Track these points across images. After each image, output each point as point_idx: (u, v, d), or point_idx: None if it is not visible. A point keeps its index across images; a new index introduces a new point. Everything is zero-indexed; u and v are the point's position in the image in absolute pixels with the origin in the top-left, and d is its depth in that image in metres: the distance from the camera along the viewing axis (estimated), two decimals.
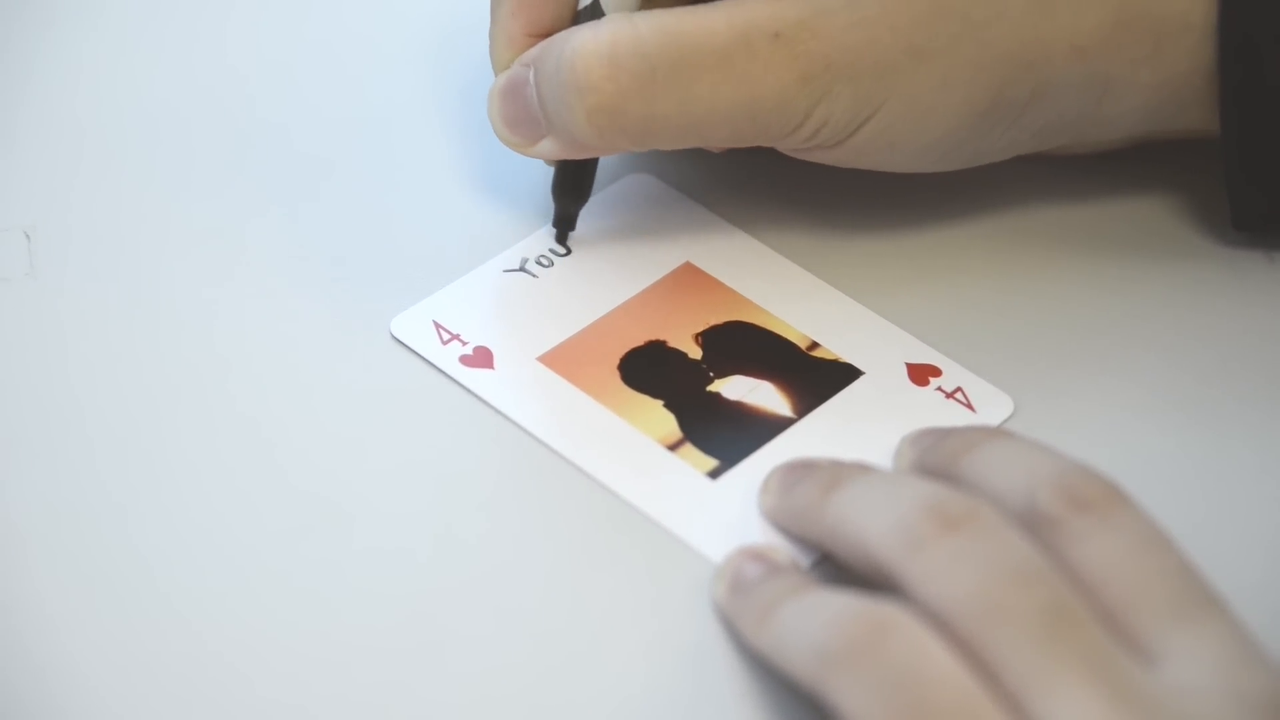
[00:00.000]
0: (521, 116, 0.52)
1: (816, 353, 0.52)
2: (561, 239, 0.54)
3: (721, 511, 0.49)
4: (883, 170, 0.52)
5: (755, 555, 0.47)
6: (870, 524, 0.44)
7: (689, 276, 0.54)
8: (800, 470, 0.48)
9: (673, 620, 0.46)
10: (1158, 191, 0.55)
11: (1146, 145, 0.54)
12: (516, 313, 0.53)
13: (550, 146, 0.51)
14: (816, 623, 0.43)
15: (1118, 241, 0.54)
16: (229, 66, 0.60)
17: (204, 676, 0.45)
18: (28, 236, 0.55)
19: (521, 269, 0.54)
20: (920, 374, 0.51)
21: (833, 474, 0.47)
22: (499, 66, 0.53)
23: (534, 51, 0.51)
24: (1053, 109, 0.50)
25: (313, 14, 0.61)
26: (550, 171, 0.54)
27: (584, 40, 0.49)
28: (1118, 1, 0.49)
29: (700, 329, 0.53)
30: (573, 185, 0.54)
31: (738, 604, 0.46)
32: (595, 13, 0.51)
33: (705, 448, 0.50)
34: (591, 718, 0.45)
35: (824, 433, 0.50)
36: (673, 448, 0.50)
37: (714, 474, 0.49)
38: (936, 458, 0.48)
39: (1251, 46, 0.49)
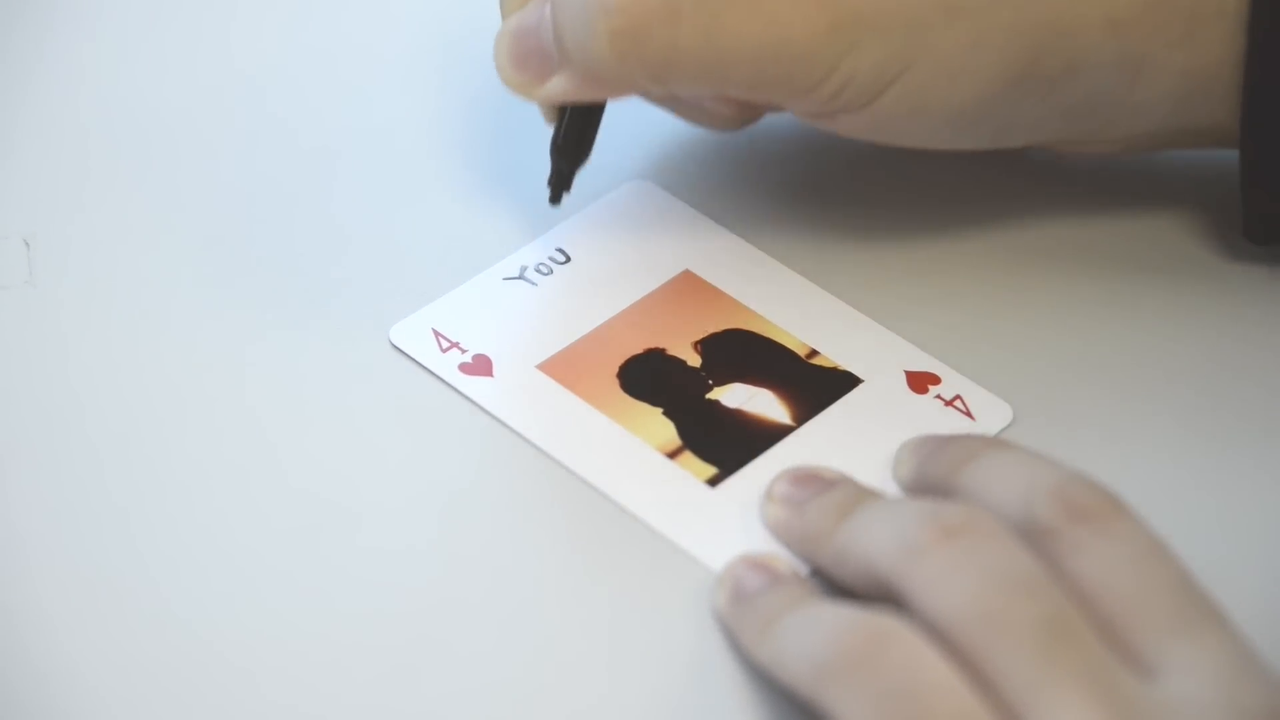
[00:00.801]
0: (532, 53, 0.50)
1: (815, 360, 0.52)
2: (555, 199, 0.53)
3: (721, 519, 0.49)
4: (905, 144, 0.51)
5: (756, 564, 0.47)
6: (873, 540, 0.44)
7: (688, 284, 0.54)
8: (807, 484, 0.48)
9: (672, 628, 0.46)
10: (1162, 204, 0.55)
11: (1165, 153, 0.53)
12: (516, 321, 0.53)
13: (561, 83, 0.50)
14: (815, 634, 0.43)
15: (1118, 252, 0.54)
16: (228, 73, 0.60)
17: (204, 682, 0.45)
18: (27, 244, 0.55)
19: (521, 277, 0.54)
20: (919, 382, 0.51)
21: (842, 503, 0.46)
22: (509, 8, 0.52)
23: None
24: (1084, 85, 0.50)
25: (314, 21, 0.61)
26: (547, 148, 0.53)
27: None
28: None
29: (699, 337, 0.53)
30: (574, 141, 0.53)
31: (739, 615, 0.46)
32: None
33: (704, 455, 0.50)
34: None
35: (823, 440, 0.50)
36: (672, 455, 0.50)
37: (713, 482, 0.49)
38: (936, 468, 0.48)
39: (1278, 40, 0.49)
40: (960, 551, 0.43)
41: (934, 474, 0.48)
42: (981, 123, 0.50)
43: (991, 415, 0.51)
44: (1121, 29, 0.49)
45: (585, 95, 0.51)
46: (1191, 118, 0.51)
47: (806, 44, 0.48)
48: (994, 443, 0.48)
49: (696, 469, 0.50)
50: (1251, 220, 0.52)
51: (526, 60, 0.50)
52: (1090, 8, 0.49)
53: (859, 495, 0.47)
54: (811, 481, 0.48)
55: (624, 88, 0.50)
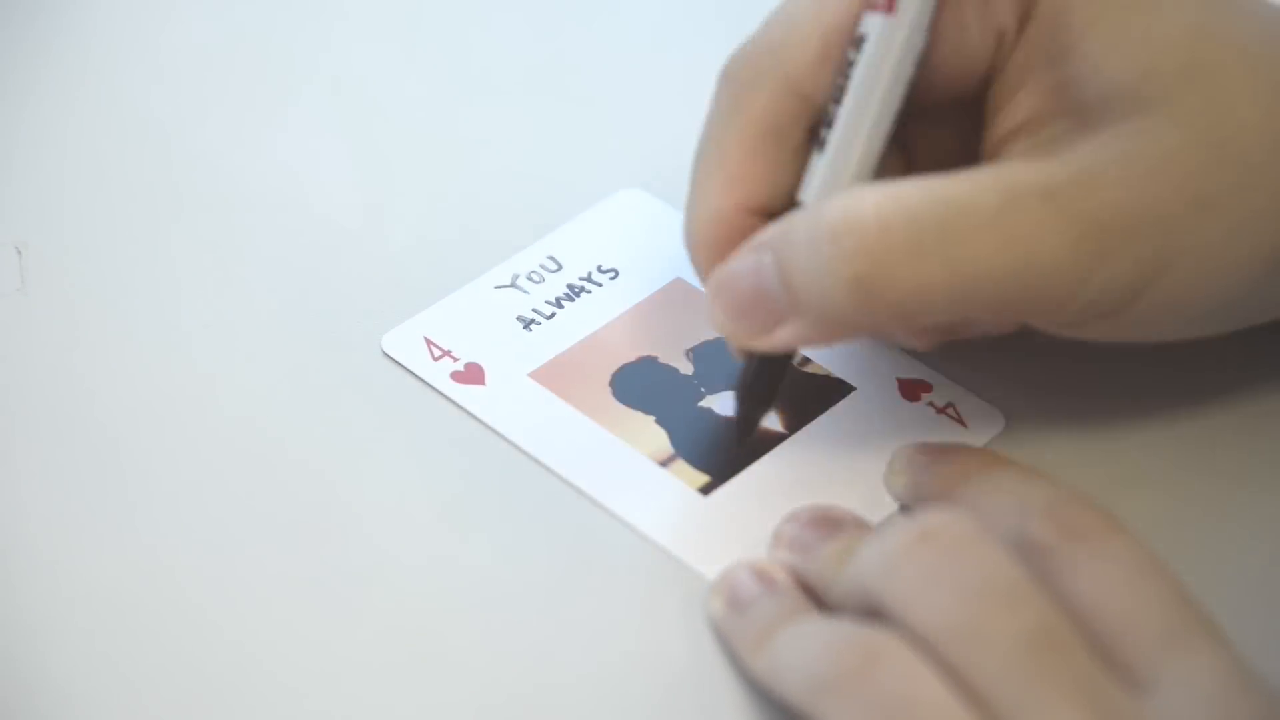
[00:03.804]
0: (754, 303, 0.47)
1: (808, 368, 0.52)
2: (741, 442, 0.50)
3: (713, 527, 0.49)
4: (1158, 340, 0.48)
5: (751, 572, 0.47)
6: (862, 561, 0.44)
7: (680, 292, 0.54)
8: (816, 527, 0.47)
9: (665, 636, 0.46)
10: None
11: None
12: (508, 329, 0.53)
13: (792, 331, 0.46)
14: (810, 649, 0.43)
15: None
16: (219, 79, 0.60)
17: (194, 689, 0.45)
18: (19, 252, 0.55)
19: (513, 285, 0.54)
20: (911, 389, 0.52)
21: (849, 546, 0.46)
22: (706, 245, 0.48)
23: (768, 233, 0.47)
24: None
25: (304, 23, 0.62)
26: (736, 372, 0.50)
27: (845, 204, 0.45)
28: None
29: (692, 345, 0.53)
30: (765, 386, 0.49)
31: (734, 625, 0.46)
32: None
33: (696, 463, 0.50)
34: None
35: (815, 448, 0.50)
36: (664, 463, 0.50)
37: (705, 490, 0.49)
38: (930, 485, 0.48)
39: None
40: (937, 558, 0.43)
41: (928, 490, 0.48)
42: (1238, 310, 0.48)
43: (984, 423, 0.51)
44: None
45: (818, 342, 0.48)
46: None
47: (1054, 260, 0.45)
48: (988, 459, 0.48)
49: (689, 477, 0.50)
50: None
51: (747, 311, 0.47)
52: None
53: (864, 536, 0.46)
54: (821, 524, 0.47)
55: (862, 331, 0.48)
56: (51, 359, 0.52)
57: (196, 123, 0.59)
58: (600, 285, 0.54)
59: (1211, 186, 0.45)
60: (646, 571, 0.48)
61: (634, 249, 0.55)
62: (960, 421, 0.51)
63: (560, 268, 0.54)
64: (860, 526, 0.47)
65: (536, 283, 0.54)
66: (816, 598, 0.46)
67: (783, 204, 0.48)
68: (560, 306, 0.53)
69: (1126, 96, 0.45)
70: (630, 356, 0.52)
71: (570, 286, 0.54)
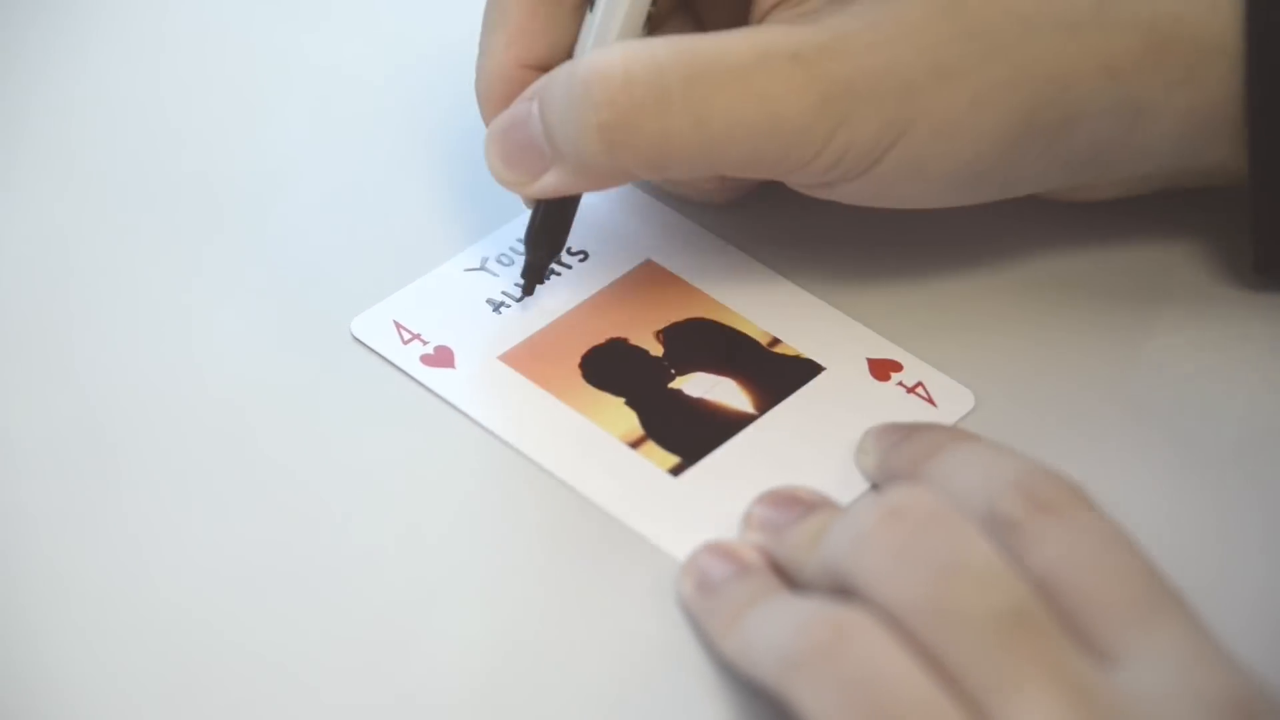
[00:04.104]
0: (523, 151, 0.50)
1: (777, 349, 0.52)
2: (529, 290, 0.53)
3: (684, 508, 0.49)
4: (907, 206, 0.51)
5: (721, 552, 0.47)
6: (832, 539, 0.44)
7: (650, 274, 0.54)
8: (786, 508, 0.47)
9: (636, 617, 0.46)
10: (1132, 206, 0.55)
11: (1173, 190, 0.52)
12: (477, 312, 0.53)
13: (554, 178, 0.49)
14: (779, 628, 0.43)
15: (1078, 239, 0.54)
16: (187, 69, 0.60)
17: (165, 672, 0.45)
18: None
19: (482, 268, 0.54)
20: (881, 369, 0.52)
21: (820, 528, 0.46)
22: (490, 99, 0.51)
23: (537, 84, 0.50)
24: (1085, 134, 0.49)
25: (274, 8, 0.61)
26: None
27: (596, 58, 0.48)
28: (1149, 24, 0.48)
29: (661, 326, 0.53)
30: (548, 232, 0.52)
31: (705, 606, 0.46)
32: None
33: (667, 445, 0.50)
34: (556, 714, 0.45)
35: (785, 429, 0.50)
36: (634, 445, 0.50)
37: (675, 471, 0.49)
38: (899, 461, 0.48)
39: None
40: (906, 535, 0.43)
41: (897, 467, 0.48)
42: (983, 180, 0.50)
43: (953, 402, 0.51)
44: (1120, 76, 0.48)
45: (579, 188, 0.50)
46: (1194, 157, 0.50)
47: (799, 119, 0.47)
48: (957, 435, 0.48)
49: (659, 458, 0.50)
50: (1267, 253, 0.51)
51: (518, 158, 0.50)
52: (1086, 58, 0.48)
53: (835, 517, 0.46)
54: (791, 505, 0.48)
55: (618, 179, 0.50)
56: (18, 346, 0.52)
57: (163, 109, 0.58)
58: (570, 268, 0.54)
59: (953, 56, 0.47)
60: (617, 553, 0.48)
61: (603, 231, 0.55)
62: (930, 400, 0.51)
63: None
64: (831, 507, 0.47)
65: (506, 265, 0.54)
66: (788, 579, 0.46)
67: (560, 61, 0.50)
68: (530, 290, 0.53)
69: None
70: (600, 338, 0.52)
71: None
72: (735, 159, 0.48)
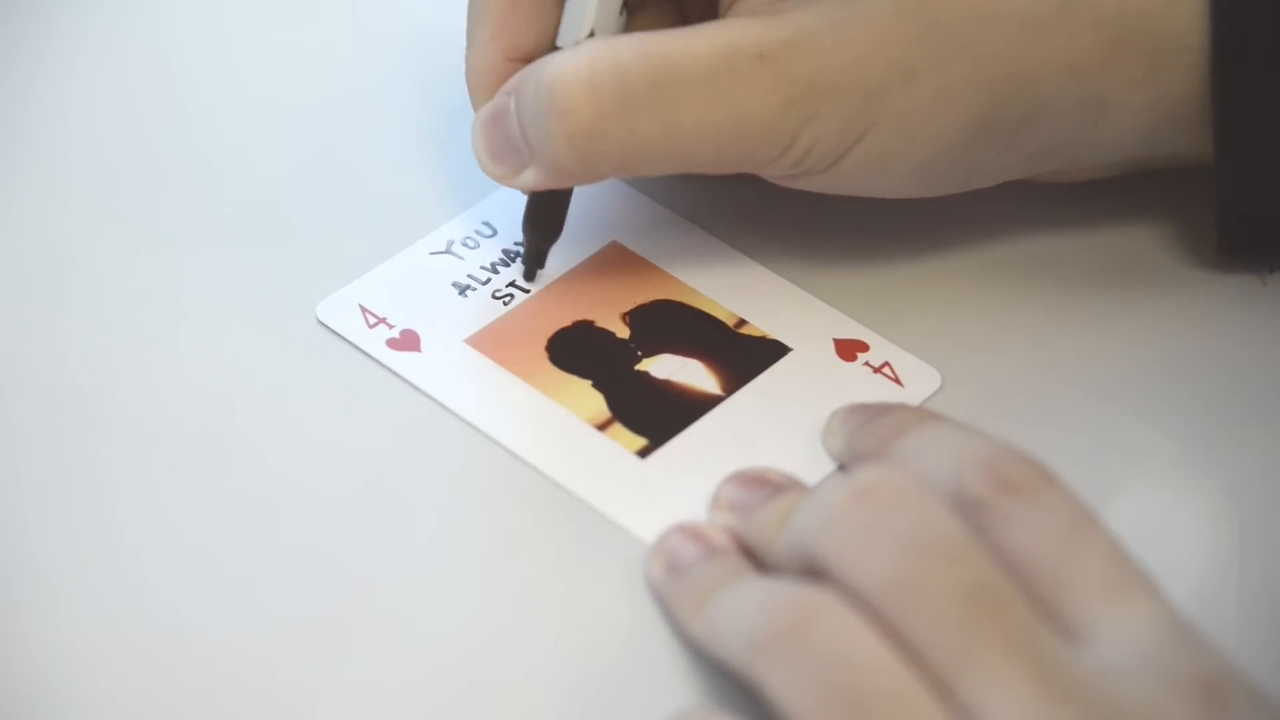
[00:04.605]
0: (505, 146, 0.50)
1: (744, 330, 0.52)
2: (529, 275, 0.53)
3: (651, 490, 0.49)
4: (873, 196, 0.51)
5: (690, 534, 0.47)
6: (799, 520, 0.44)
7: (616, 256, 0.54)
8: (755, 488, 0.47)
9: (605, 600, 0.46)
10: (1099, 189, 0.55)
11: (1139, 173, 0.53)
12: (443, 295, 0.53)
13: (533, 176, 0.50)
14: (746, 609, 0.43)
15: (1044, 217, 0.54)
16: (152, 54, 0.59)
17: (134, 660, 0.45)
18: None
19: (448, 251, 0.54)
20: (848, 349, 0.52)
21: (787, 508, 0.46)
22: (476, 92, 0.52)
23: (515, 79, 0.50)
24: (1047, 130, 0.49)
25: (237, 2, 0.61)
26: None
27: (561, 64, 0.48)
28: (1113, 20, 0.48)
29: (628, 308, 0.52)
30: (544, 219, 0.52)
31: (673, 588, 0.46)
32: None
33: (634, 427, 0.50)
34: (525, 698, 0.45)
35: (752, 409, 0.50)
36: (601, 427, 0.50)
37: (643, 453, 0.49)
38: (866, 441, 0.48)
39: (1246, 67, 0.48)
40: (874, 514, 0.43)
41: (864, 448, 0.48)
42: (947, 173, 0.50)
43: (920, 382, 0.51)
44: (1082, 74, 0.48)
45: (556, 185, 0.51)
46: (1161, 148, 0.51)
47: (764, 120, 0.48)
48: (923, 416, 0.48)
49: (626, 440, 0.50)
50: (1227, 235, 0.51)
51: (501, 152, 0.50)
52: (1049, 55, 0.48)
53: (803, 498, 0.46)
54: (759, 486, 0.48)
55: (590, 179, 0.50)
56: None
57: (127, 93, 0.58)
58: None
59: (916, 55, 0.48)
60: (585, 536, 0.48)
61: (570, 213, 0.55)
62: (896, 380, 0.51)
63: (495, 233, 0.54)
64: (799, 488, 0.47)
65: (471, 248, 0.54)
66: (757, 560, 0.46)
67: (546, 51, 0.50)
68: (495, 272, 0.53)
69: None
70: (566, 321, 0.52)
71: (505, 252, 0.54)
72: (702, 160, 0.49)
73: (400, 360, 0.51)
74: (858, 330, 0.52)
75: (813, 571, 0.43)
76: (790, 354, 0.51)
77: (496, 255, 0.54)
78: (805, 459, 0.49)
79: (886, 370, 0.51)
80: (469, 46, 0.52)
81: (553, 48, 0.50)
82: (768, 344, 0.52)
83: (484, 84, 0.51)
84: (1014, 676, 0.40)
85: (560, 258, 0.54)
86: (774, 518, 0.46)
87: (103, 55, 0.59)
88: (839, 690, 0.41)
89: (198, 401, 0.50)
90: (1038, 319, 0.52)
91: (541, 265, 0.53)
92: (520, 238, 0.53)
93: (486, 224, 0.54)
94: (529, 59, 0.51)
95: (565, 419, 0.50)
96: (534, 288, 0.53)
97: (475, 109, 0.52)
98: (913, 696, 0.41)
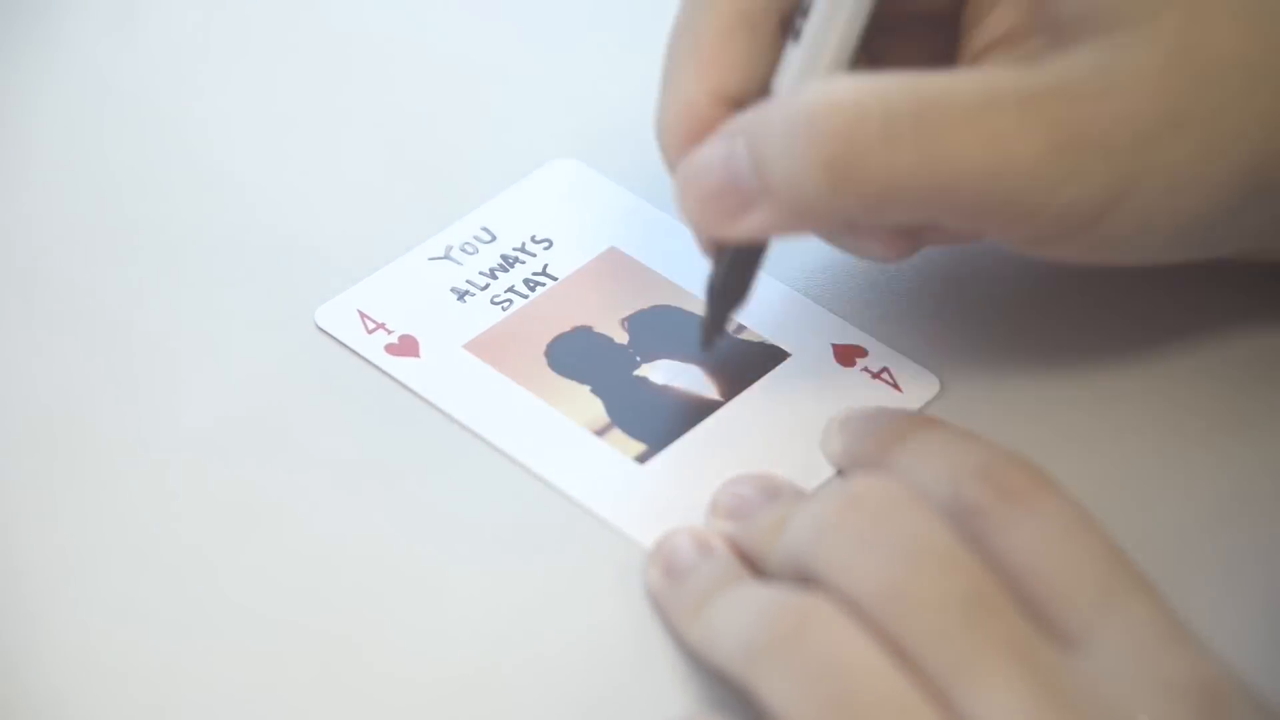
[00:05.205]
0: (724, 190, 0.46)
1: (743, 335, 0.52)
2: (708, 344, 0.50)
3: (650, 495, 0.49)
4: (1121, 264, 0.49)
5: (688, 539, 0.47)
6: (794, 530, 0.44)
7: (614, 261, 0.54)
8: (752, 493, 0.47)
9: (603, 605, 0.46)
10: None
11: None
12: (442, 301, 0.53)
13: (760, 218, 0.46)
14: (742, 615, 0.43)
15: None
16: (148, 59, 0.60)
17: (135, 668, 0.45)
18: None
19: (446, 257, 0.54)
20: (846, 355, 0.52)
21: (786, 515, 0.46)
22: (676, 132, 0.48)
23: (744, 118, 0.46)
24: None
25: (233, 6, 0.61)
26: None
27: (823, 89, 0.45)
28: None
29: (626, 314, 0.52)
30: (736, 284, 0.49)
31: (670, 594, 0.46)
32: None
33: (633, 432, 0.50)
34: (523, 704, 0.45)
35: (751, 415, 0.50)
36: (600, 433, 0.50)
37: (642, 458, 0.49)
38: (864, 448, 0.48)
39: None
40: (866, 524, 0.43)
41: (861, 454, 0.48)
42: (1207, 234, 0.47)
43: (919, 387, 0.51)
44: None
45: (789, 229, 0.47)
46: None
47: (1027, 165, 0.44)
48: (921, 422, 0.48)
49: (625, 446, 0.50)
50: None
51: (718, 199, 0.46)
52: None
53: (799, 505, 0.46)
54: (757, 491, 0.48)
55: (833, 219, 0.47)
56: None
57: (123, 99, 0.58)
58: (534, 255, 0.54)
59: (1186, 105, 0.45)
60: (584, 541, 0.48)
61: (568, 219, 0.55)
62: (895, 386, 0.51)
63: (494, 238, 0.54)
64: (796, 494, 0.47)
65: (470, 254, 0.54)
66: (755, 566, 0.46)
67: (755, 94, 0.48)
68: (494, 277, 0.53)
69: (1105, 13, 0.45)
70: (565, 326, 0.52)
71: (504, 257, 0.54)
72: (961, 203, 0.45)
73: (399, 366, 0.51)
74: (856, 335, 0.52)
75: (808, 579, 0.43)
76: (789, 359, 0.51)
77: (495, 261, 0.54)
78: (804, 464, 0.49)
79: (885, 376, 0.51)
80: (666, 86, 0.48)
81: (765, 92, 0.48)
82: (766, 349, 0.52)
83: (686, 124, 0.48)
84: (1008, 682, 0.40)
85: (559, 263, 0.54)
86: (771, 524, 0.46)
87: (98, 62, 0.59)
88: (835, 697, 0.41)
89: (196, 407, 0.50)
90: (1036, 323, 0.52)
91: (722, 334, 0.50)
92: (519, 242, 0.53)
93: (485, 229, 0.54)
94: (738, 101, 0.48)
95: (563, 424, 0.50)
96: (532, 294, 0.53)
97: (668, 150, 0.49)
98: (908, 704, 0.40)
